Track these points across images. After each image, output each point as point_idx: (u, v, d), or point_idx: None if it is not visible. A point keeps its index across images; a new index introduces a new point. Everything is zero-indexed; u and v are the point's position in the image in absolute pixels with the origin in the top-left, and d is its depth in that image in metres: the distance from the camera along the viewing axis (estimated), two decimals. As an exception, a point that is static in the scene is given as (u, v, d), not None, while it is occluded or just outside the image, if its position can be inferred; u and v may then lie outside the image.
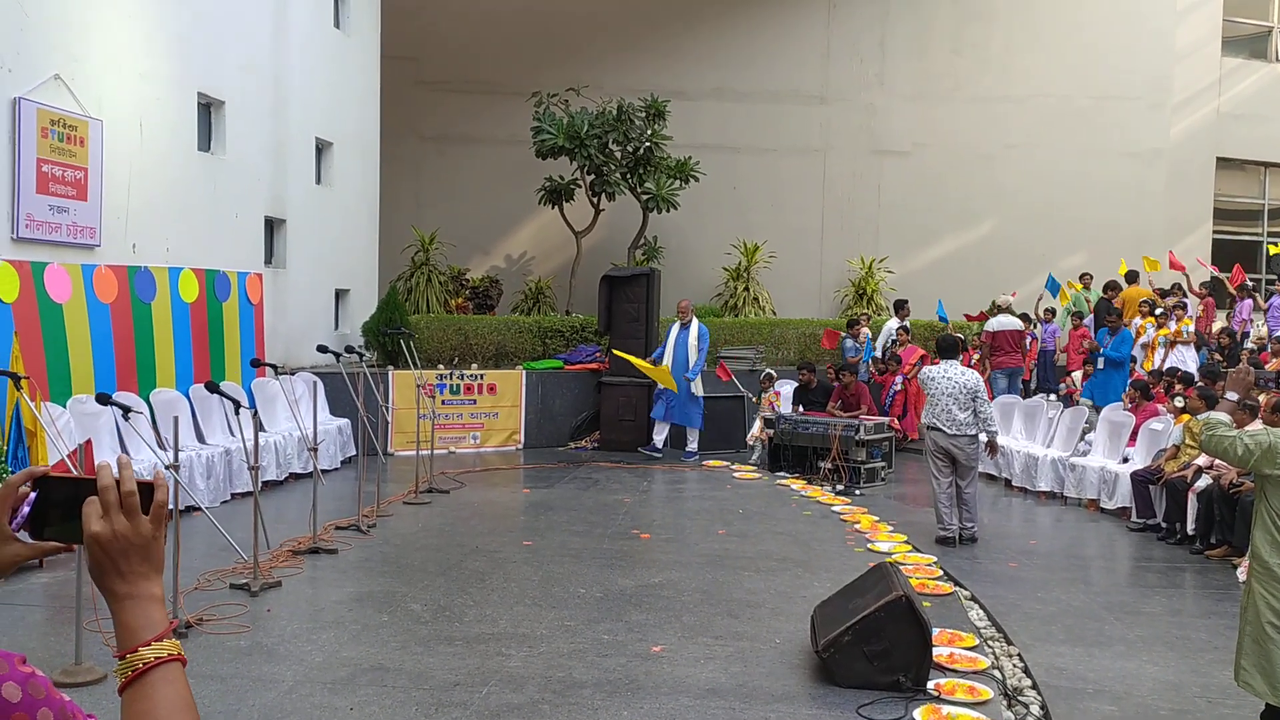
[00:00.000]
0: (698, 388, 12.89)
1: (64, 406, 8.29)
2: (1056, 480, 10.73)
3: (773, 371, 13.82)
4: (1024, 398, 13.27)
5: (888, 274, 18.56)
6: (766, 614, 6.53)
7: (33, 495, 1.32)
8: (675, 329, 13.07)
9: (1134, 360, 13.35)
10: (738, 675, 5.43)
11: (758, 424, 13.05)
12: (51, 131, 8.34)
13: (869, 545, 8.41)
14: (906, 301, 15.31)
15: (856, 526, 9.15)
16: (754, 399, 13.58)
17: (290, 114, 12.52)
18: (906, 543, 8.49)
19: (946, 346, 8.77)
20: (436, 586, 7.02)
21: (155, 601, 1.29)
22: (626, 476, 11.69)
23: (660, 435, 13.01)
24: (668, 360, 12.80)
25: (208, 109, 11.03)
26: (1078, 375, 13.61)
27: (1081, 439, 10.84)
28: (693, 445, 13.05)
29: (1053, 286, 16.14)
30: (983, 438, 8.59)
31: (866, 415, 12.01)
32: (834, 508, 10.00)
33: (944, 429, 8.44)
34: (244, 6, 11.45)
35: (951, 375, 8.46)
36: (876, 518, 9.46)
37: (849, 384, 12.35)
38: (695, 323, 13.10)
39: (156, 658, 1.27)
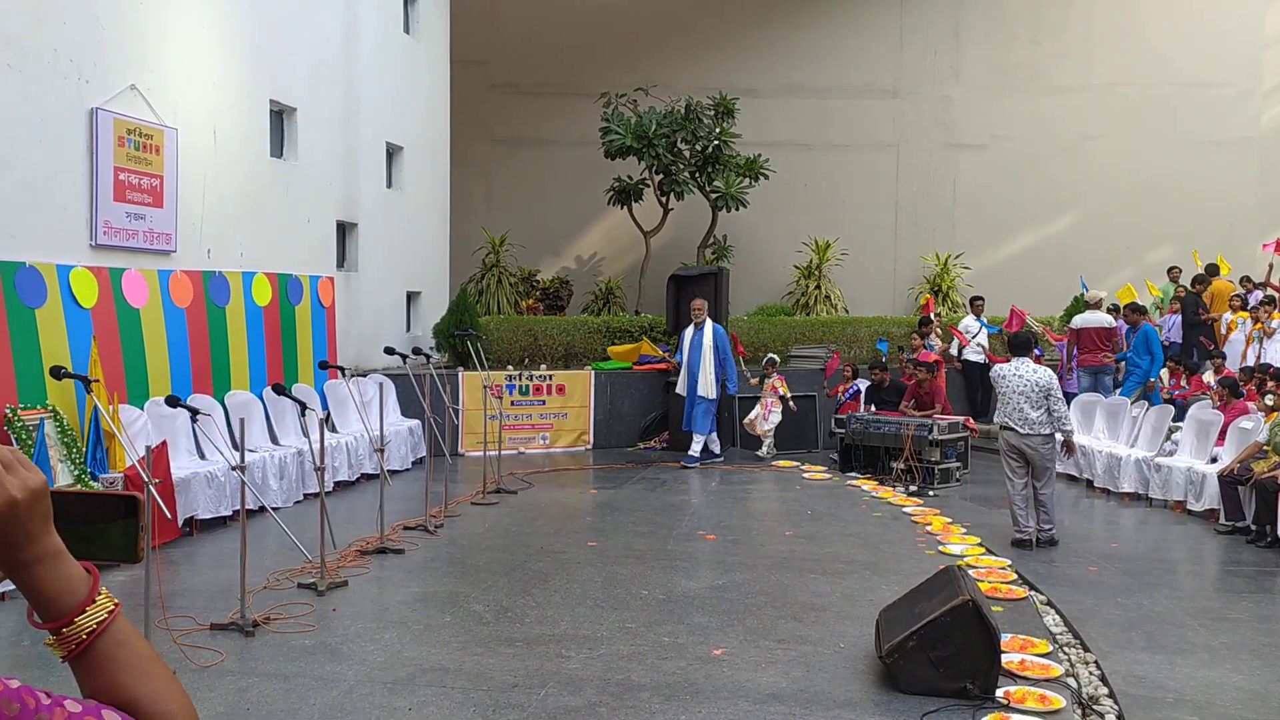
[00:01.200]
0: (710, 391, 12.22)
1: (141, 409, 8.50)
2: (1141, 481, 10.36)
3: (775, 356, 13.41)
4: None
5: (964, 270, 18.17)
6: (831, 617, 6.40)
7: None
8: (689, 331, 12.43)
9: (1221, 358, 12.77)
10: (799, 680, 5.32)
11: (756, 410, 12.90)
12: (128, 140, 8.55)
13: (940, 548, 8.20)
14: (982, 298, 14.95)
15: (928, 528, 8.93)
16: (785, 396, 13.13)
17: (361, 119, 12.70)
18: (980, 545, 8.26)
19: (1019, 344, 8.52)
20: (500, 587, 7.02)
21: (63, 556, 1.14)
22: (694, 477, 11.61)
23: (698, 444, 12.38)
24: (683, 365, 12.42)
25: (280, 115, 11.23)
26: (1164, 374, 13.12)
27: (1167, 438, 10.44)
28: (696, 450, 12.34)
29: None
30: (1059, 437, 8.32)
31: (941, 415, 11.74)
32: (905, 509, 9.79)
33: (1016, 428, 8.19)
34: (315, 14, 11.64)
35: (1023, 373, 8.20)
36: (949, 519, 9.23)
37: (923, 382, 12.09)
38: (710, 324, 12.34)
39: (99, 623, 1.13)
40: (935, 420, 11.40)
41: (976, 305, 14.83)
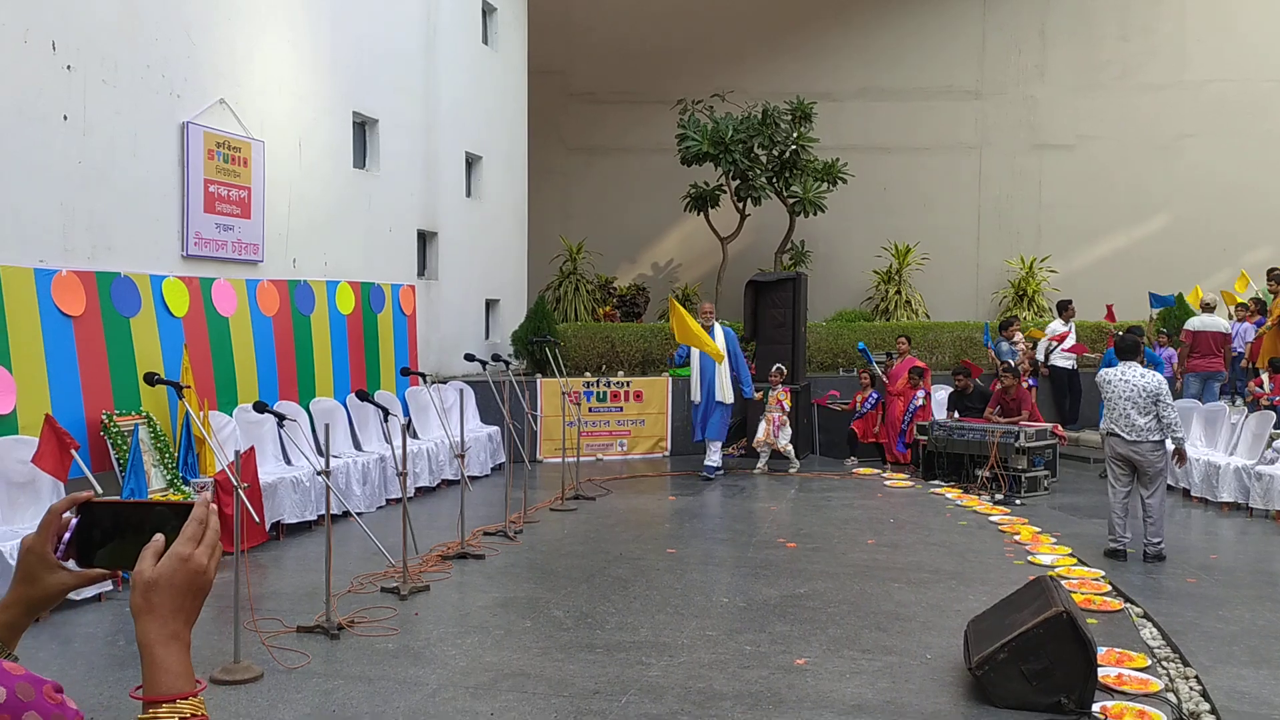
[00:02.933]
0: (728, 396, 11.75)
1: (230, 416, 8.70)
2: (1240, 490, 9.95)
3: (783, 366, 12.69)
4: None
5: (1050, 274, 17.72)
6: (917, 628, 6.25)
7: (74, 521, 1.29)
8: None
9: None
10: (885, 691, 5.20)
11: (763, 427, 12.23)
12: (217, 153, 8.77)
13: (1029, 558, 7.97)
14: (1070, 302, 14.56)
15: (1016, 538, 8.69)
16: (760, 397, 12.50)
17: (441, 129, 12.87)
18: (1071, 555, 8.01)
19: (1126, 348, 8.17)
20: (580, 593, 7.01)
21: (187, 649, 1.22)
22: (773, 484, 11.48)
23: (715, 454, 11.80)
24: (695, 371, 11.86)
25: (362, 127, 11.44)
26: (1264, 379, 12.61)
27: (1269, 446, 10.02)
28: (715, 458, 11.80)
29: (1158, 303, 14.62)
30: (1169, 444, 7.97)
31: (1029, 421, 11.44)
32: (992, 518, 9.55)
33: (1123, 435, 7.89)
34: (396, 27, 11.84)
35: (1130, 378, 7.89)
36: (1038, 529, 8.96)
37: (1009, 388, 11.80)
38: (718, 327, 11.89)
39: (193, 716, 1.18)
40: (1022, 427, 11.11)
41: (1065, 309, 14.43)
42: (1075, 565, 7.70)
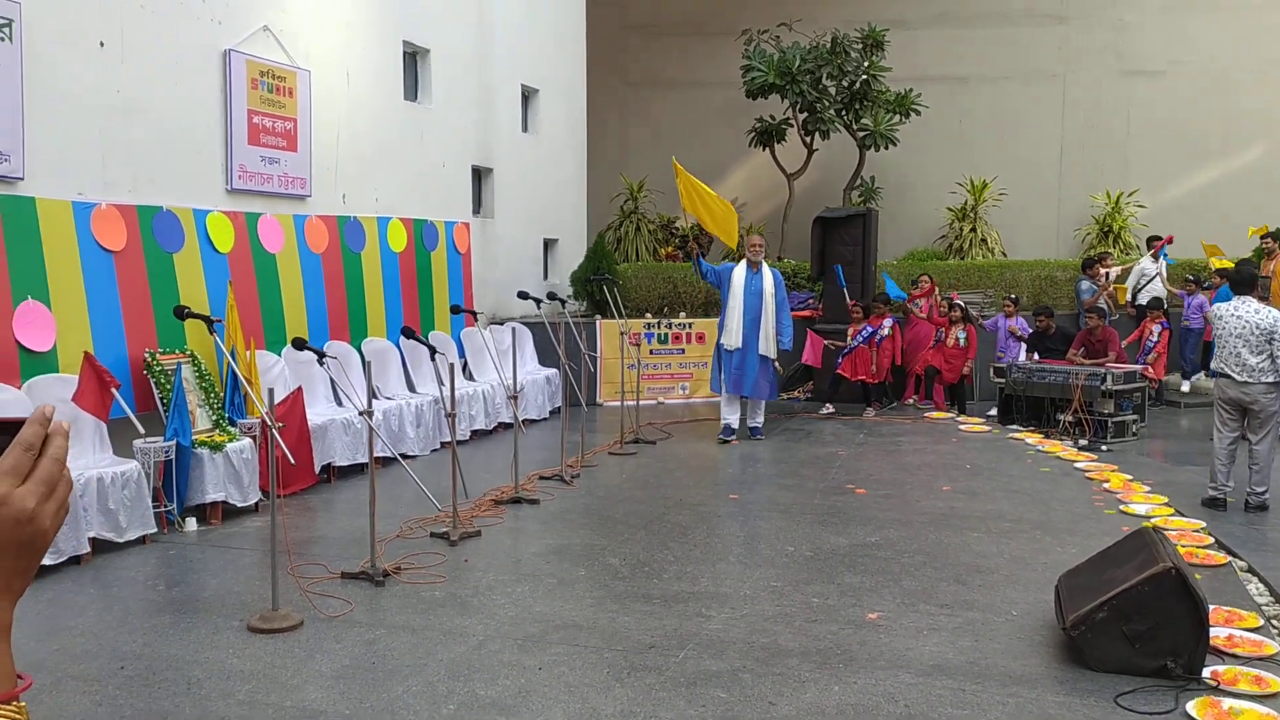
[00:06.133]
0: (772, 349, 10.19)
1: (279, 355, 8.45)
2: (1349, 436, 9.22)
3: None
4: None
5: (1138, 209, 16.78)
6: (1000, 581, 5.79)
7: None
8: (742, 271, 10.07)
9: None
10: (967, 651, 4.76)
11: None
12: (261, 83, 8.43)
13: (1121, 507, 7.41)
14: (1161, 237, 13.70)
15: (1105, 485, 8.12)
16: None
17: (494, 61, 12.40)
18: (1167, 505, 7.44)
19: (1241, 280, 7.42)
20: (637, 540, 6.65)
21: (5, 633, 0.85)
22: (841, 428, 11.00)
23: (732, 414, 10.20)
24: (736, 313, 10.02)
25: (413, 57, 11.02)
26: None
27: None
28: (760, 419, 10.34)
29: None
30: None
31: (1114, 363, 10.78)
32: (1077, 464, 8.97)
33: (1233, 375, 7.21)
34: (447, -47, 11.35)
35: (1243, 314, 7.19)
36: (1129, 476, 8.38)
37: (1095, 328, 11.12)
38: (767, 267, 10.20)
39: None
40: (1109, 369, 10.45)
41: (1156, 245, 13.58)
42: (1173, 515, 7.14)
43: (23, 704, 0.83)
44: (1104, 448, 9.81)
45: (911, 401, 12.50)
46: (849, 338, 11.79)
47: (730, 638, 4.92)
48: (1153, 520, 6.85)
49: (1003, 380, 11.26)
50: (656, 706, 4.19)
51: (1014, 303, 12.35)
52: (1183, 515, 7.14)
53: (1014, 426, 10.88)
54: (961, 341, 11.89)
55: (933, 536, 6.70)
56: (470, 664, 4.63)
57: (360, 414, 5.67)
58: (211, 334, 5.26)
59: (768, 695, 4.29)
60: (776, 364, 10.45)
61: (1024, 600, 5.44)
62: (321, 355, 5.62)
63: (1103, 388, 10.28)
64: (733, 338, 10.05)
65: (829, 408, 11.85)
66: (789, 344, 10.45)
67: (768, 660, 4.65)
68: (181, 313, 5.39)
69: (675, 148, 18.06)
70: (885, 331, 11.74)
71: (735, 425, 10.17)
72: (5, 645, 0.83)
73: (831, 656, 4.69)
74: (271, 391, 5.27)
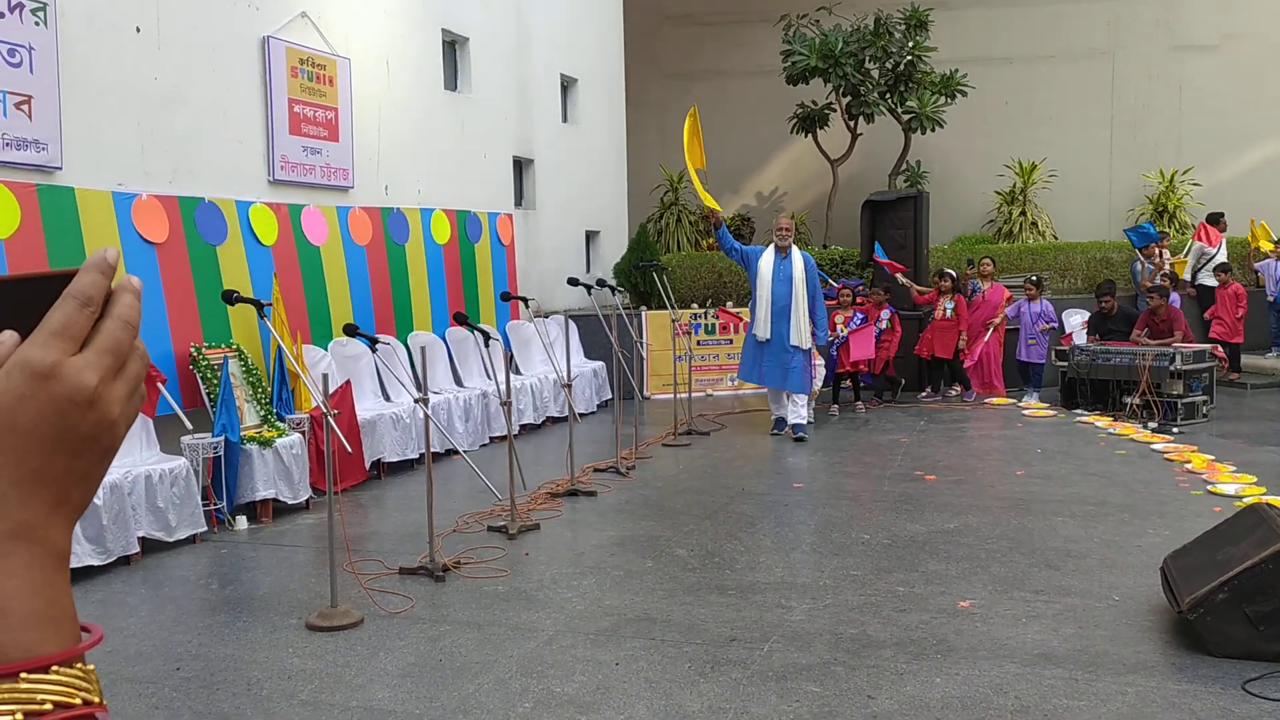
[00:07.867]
0: (805, 340, 9.40)
1: (325, 350, 8.25)
2: None
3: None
4: None
5: (1193, 187, 16.28)
6: (1094, 565, 5.45)
7: None
8: (770, 257, 9.43)
9: None
10: (1072, 638, 4.44)
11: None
12: (301, 70, 8.24)
13: (1209, 488, 7.04)
14: (1222, 215, 13.25)
15: (1188, 466, 7.74)
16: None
17: (534, 50, 12.17)
18: (1257, 484, 7.05)
19: None
20: (703, 530, 6.37)
21: (55, 561, 0.58)
22: (899, 415, 10.65)
23: (779, 406, 9.64)
24: (764, 302, 9.39)
25: (452, 46, 10.80)
26: None
27: None
28: (800, 415, 9.45)
29: (1142, 237, 12.44)
30: None
31: (1181, 343, 10.35)
32: (1153, 446, 8.59)
33: None
34: (483, -60, 11.13)
35: None
36: (1211, 457, 7.99)
37: (1158, 308, 10.70)
38: (796, 252, 9.46)
39: (60, 706, 0.54)
40: (1177, 349, 10.04)
41: (1216, 224, 13.12)
42: (1265, 495, 6.76)
43: (91, 667, 0.56)
44: (1175, 430, 9.41)
45: (956, 391, 11.76)
46: (840, 325, 10.88)
47: (816, 629, 4.63)
48: (1244, 501, 6.48)
49: (1065, 364, 10.86)
50: (747, 702, 3.91)
51: (1036, 284, 11.58)
52: (1275, 494, 6.76)
53: (1079, 410, 10.48)
54: (949, 313, 11.35)
55: (1014, 521, 6.36)
56: (542, 660, 4.37)
57: (416, 401, 5.43)
58: (261, 318, 5.03)
59: (864, 688, 4.00)
60: (817, 359, 9.93)
61: (1124, 584, 5.10)
62: (375, 341, 5.38)
63: (1171, 368, 9.87)
64: (762, 328, 9.43)
65: (834, 411, 10.79)
66: (825, 339, 9.89)
67: (859, 652, 4.35)
68: (230, 297, 5.17)
69: (714, 139, 17.75)
70: (883, 324, 11.03)
71: (786, 416, 9.64)
72: (63, 579, 0.57)
73: (927, 647, 4.38)
74: (326, 377, 5.02)
